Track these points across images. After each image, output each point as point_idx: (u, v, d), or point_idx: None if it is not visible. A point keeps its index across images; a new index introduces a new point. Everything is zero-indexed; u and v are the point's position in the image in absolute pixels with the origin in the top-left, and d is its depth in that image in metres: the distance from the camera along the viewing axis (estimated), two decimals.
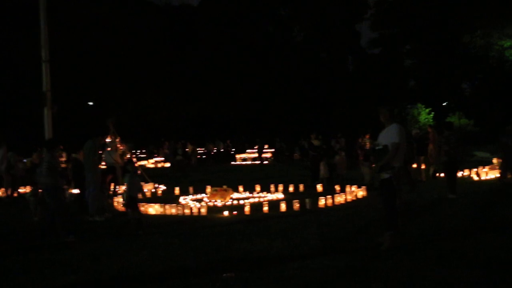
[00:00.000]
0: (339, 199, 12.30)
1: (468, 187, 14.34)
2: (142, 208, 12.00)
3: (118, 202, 12.70)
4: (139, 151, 34.02)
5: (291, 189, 15.28)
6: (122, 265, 7.01)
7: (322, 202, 11.77)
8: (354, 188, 13.79)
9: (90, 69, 40.71)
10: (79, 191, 11.77)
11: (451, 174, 12.44)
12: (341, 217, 10.09)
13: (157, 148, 37.48)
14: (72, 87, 36.22)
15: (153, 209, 12.01)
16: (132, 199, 9.59)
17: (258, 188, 15.49)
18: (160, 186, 16.96)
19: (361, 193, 13.36)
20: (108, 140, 14.53)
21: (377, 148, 7.47)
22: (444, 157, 12.39)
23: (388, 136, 7.33)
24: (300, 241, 7.96)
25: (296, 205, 11.50)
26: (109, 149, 13.71)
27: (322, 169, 15.91)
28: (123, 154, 15.44)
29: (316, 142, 17.63)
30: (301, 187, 15.38)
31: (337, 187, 14.26)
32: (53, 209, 8.91)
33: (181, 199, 14.15)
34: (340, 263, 6.51)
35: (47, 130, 12.21)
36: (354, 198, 12.91)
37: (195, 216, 11.36)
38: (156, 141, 39.41)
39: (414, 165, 16.19)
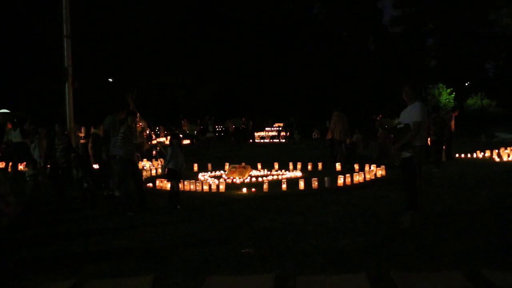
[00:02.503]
0: (358, 178, 12.23)
1: (489, 168, 14.15)
2: (160, 184, 12.19)
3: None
4: (157, 127, 34.16)
5: (309, 167, 15.25)
6: (149, 237, 7.08)
7: (341, 180, 11.72)
8: (373, 167, 13.68)
9: (110, 46, 40.78)
10: (98, 167, 11.86)
11: (438, 150, 14.60)
12: (360, 196, 10.06)
13: (175, 125, 37.60)
14: (92, 64, 36.33)
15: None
16: (173, 172, 9.66)
17: (276, 166, 15.48)
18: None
19: (380, 172, 13.23)
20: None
21: (398, 126, 7.37)
22: (433, 136, 14.45)
23: (411, 114, 7.21)
24: (319, 219, 7.94)
25: (315, 183, 11.47)
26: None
27: (342, 148, 15.76)
28: (143, 130, 15.58)
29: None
30: (320, 165, 15.33)
31: (356, 166, 14.16)
32: (124, 180, 9.30)
33: (200, 176, 14.22)
34: (359, 240, 6.49)
35: (68, 106, 12.30)
36: (373, 177, 12.83)
37: (214, 192, 11.43)
38: (174, 119, 39.51)
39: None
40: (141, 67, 41.78)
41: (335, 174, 12.53)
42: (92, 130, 12.64)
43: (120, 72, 40.94)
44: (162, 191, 11.43)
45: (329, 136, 15.86)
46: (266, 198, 10.32)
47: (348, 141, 15.98)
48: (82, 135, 16.44)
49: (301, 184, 11.48)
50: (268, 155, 20.97)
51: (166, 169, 9.82)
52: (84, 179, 10.67)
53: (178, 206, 9.42)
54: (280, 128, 34.32)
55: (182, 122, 36.42)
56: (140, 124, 15.24)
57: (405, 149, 7.20)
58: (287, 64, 48.50)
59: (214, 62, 46.43)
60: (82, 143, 14.59)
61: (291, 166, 15.26)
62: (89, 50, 35.64)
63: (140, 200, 9.55)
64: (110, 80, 42.80)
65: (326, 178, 11.66)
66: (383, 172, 13.36)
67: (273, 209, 9.04)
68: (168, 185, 11.88)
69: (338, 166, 14.81)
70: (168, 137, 32.11)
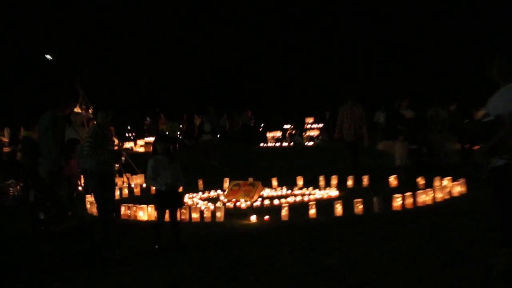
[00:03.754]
0: (424, 197, 12.12)
1: None
2: (128, 212, 12.15)
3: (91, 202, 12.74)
4: (128, 127, 34.22)
5: (349, 182, 15.22)
6: None
7: (398, 202, 11.64)
8: (446, 181, 13.56)
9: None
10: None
11: None
12: (428, 225, 9.97)
13: (153, 123, 37.57)
14: (18, 31, 36.52)
15: (144, 212, 12.03)
16: (163, 196, 9.55)
17: (300, 181, 15.43)
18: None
19: (458, 188, 13.14)
20: (76, 110, 14.70)
21: (485, 120, 7.22)
22: None
23: (506, 101, 7.03)
24: (367, 261, 7.88)
25: (359, 207, 11.41)
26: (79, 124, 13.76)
27: (402, 153, 15.40)
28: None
29: (409, 114, 16.99)
30: (365, 179, 15.24)
31: (421, 180, 14.09)
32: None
33: (187, 198, 14.18)
34: None
35: None
36: (447, 197, 12.71)
37: (207, 222, 11.40)
38: (149, 113, 39.51)
39: None
40: (95, 37, 41.88)
41: (388, 193, 12.45)
42: (23, 132, 12.60)
43: (63, 46, 40.98)
44: (131, 222, 11.39)
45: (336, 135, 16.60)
46: (286, 229, 10.29)
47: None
48: (5, 140, 16.42)
49: (338, 208, 11.40)
50: (287, 166, 20.92)
51: (153, 190, 9.79)
52: (41, 205, 10.63)
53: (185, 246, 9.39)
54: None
55: (159, 118, 36.41)
56: (94, 122, 15.19)
57: (497, 153, 7.04)
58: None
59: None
60: (6, 152, 14.63)
61: (322, 181, 15.18)
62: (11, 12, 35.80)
63: (117, 237, 9.49)
64: (48, 57, 42.84)
65: (375, 199, 11.57)
66: (463, 189, 13.23)
67: (297, 245, 8.98)
68: (139, 213, 11.88)
69: (349, 181, 15.12)
70: (136, 141, 32.35)
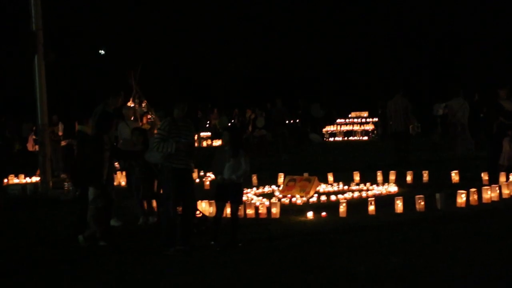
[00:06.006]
0: (491, 194, 11.74)
1: None
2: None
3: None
4: None
5: (408, 178, 14.92)
6: None
7: (462, 199, 11.32)
8: None
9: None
10: None
11: None
12: (494, 224, 9.79)
13: (203, 117, 37.63)
14: (76, 28, 36.99)
15: (199, 208, 11.84)
16: (224, 189, 9.31)
17: (357, 176, 15.24)
18: (208, 174, 16.85)
19: None
20: (129, 104, 14.68)
21: None
22: None
23: None
24: (429, 261, 7.72)
25: (420, 204, 11.16)
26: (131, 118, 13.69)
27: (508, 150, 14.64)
28: (152, 126, 15.48)
29: (510, 105, 15.56)
30: (425, 175, 14.95)
31: (484, 176, 13.71)
32: None
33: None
34: None
35: (38, 87, 12.22)
36: None
37: (263, 218, 11.25)
38: (200, 107, 39.55)
39: None
40: (145, 34, 42.19)
41: (451, 189, 12.28)
42: (77, 126, 12.60)
43: (117, 41, 41.43)
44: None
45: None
46: (345, 226, 10.16)
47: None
48: (60, 133, 16.50)
49: (399, 205, 11.15)
50: (343, 160, 20.89)
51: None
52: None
53: (240, 244, 9.16)
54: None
55: (212, 112, 36.50)
56: (149, 116, 15.08)
57: None
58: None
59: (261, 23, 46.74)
60: (63, 146, 14.66)
61: (380, 177, 14.96)
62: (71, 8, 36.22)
63: (182, 234, 9.21)
64: (102, 52, 43.33)
65: (438, 196, 11.31)
66: None
67: (357, 244, 8.86)
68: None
69: (408, 177, 14.80)
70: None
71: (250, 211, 11.41)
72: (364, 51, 47.43)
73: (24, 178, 17.85)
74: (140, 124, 13.91)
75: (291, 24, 47.87)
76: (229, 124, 31.81)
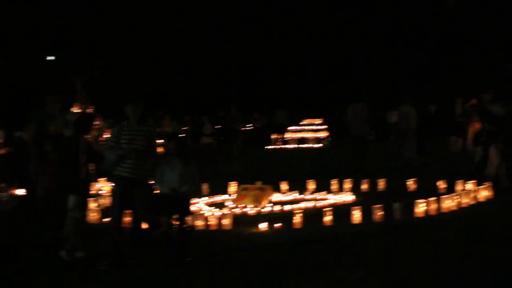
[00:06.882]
0: (448, 203, 11.76)
1: None
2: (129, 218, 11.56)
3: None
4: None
5: (364, 186, 14.91)
6: None
7: (420, 209, 11.30)
8: (470, 185, 13.17)
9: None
10: (25, 192, 11.37)
11: None
12: (453, 236, 9.71)
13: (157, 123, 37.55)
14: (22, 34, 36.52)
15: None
16: (166, 199, 9.00)
17: (312, 185, 15.01)
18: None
19: (485, 193, 12.92)
20: (74, 109, 14.41)
21: None
22: None
23: None
24: (396, 275, 7.52)
25: (378, 214, 11.03)
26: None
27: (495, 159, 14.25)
28: (99, 132, 15.37)
29: (497, 109, 14.95)
30: (381, 183, 14.93)
31: (442, 184, 13.74)
32: None
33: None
34: None
35: None
36: (472, 202, 12.44)
37: (213, 230, 10.99)
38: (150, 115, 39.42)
39: None
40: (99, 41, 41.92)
41: (408, 198, 12.32)
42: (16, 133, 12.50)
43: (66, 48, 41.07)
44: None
45: None
46: (300, 238, 9.98)
47: None
48: (0, 140, 16.19)
49: (355, 215, 11.02)
50: (296, 168, 20.85)
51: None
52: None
53: (190, 258, 8.80)
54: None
55: (163, 119, 36.23)
56: (97, 122, 14.92)
57: None
58: None
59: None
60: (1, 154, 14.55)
61: (335, 185, 14.82)
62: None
63: (132, 242, 9.02)
64: (52, 58, 42.98)
65: (395, 205, 11.22)
66: (489, 193, 12.96)
67: (314, 257, 8.71)
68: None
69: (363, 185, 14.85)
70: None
71: (199, 222, 11.06)
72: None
73: None
74: None
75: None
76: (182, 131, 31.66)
